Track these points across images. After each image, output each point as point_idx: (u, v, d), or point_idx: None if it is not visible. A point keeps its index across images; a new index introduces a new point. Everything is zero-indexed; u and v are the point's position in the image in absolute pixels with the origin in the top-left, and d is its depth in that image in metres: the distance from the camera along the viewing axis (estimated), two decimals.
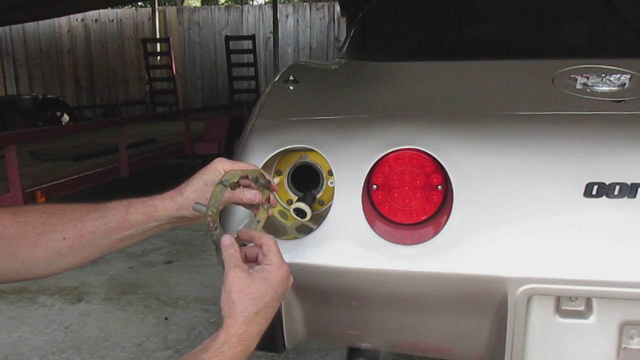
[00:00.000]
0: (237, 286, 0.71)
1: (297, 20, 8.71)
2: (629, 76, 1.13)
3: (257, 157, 1.04)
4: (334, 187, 1.00)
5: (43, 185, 2.99)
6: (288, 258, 0.92)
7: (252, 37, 7.96)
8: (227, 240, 0.76)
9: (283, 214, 1.08)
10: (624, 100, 1.05)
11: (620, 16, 1.70)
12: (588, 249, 0.90)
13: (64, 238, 0.78)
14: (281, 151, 1.05)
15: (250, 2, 15.56)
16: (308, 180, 1.08)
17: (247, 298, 0.71)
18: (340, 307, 1.08)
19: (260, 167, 1.03)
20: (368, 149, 1.00)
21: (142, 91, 8.97)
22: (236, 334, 0.70)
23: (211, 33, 8.99)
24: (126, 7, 9.38)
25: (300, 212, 1.05)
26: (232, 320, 0.70)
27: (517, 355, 0.97)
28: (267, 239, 0.78)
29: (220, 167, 0.85)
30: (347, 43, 1.88)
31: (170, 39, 8.44)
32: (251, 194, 0.84)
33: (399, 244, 0.96)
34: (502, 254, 0.92)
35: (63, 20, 9.25)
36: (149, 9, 9.10)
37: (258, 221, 0.87)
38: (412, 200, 0.99)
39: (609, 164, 0.93)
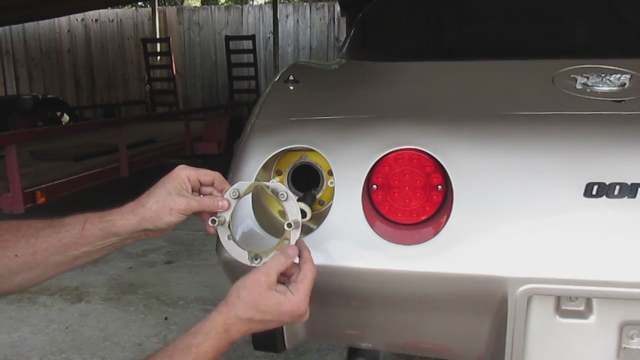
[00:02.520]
0: (252, 288, 0.74)
1: (297, 20, 8.71)
2: (629, 76, 1.13)
3: (257, 157, 1.04)
4: (334, 187, 1.00)
5: (43, 185, 2.99)
6: None
7: (252, 37, 7.96)
8: (288, 251, 0.80)
9: (283, 213, 1.08)
10: (624, 100, 1.05)
11: (620, 16, 1.70)
12: (588, 249, 0.90)
13: (16, 255, 0.75)
14: (281, 151, 1.05)
15: (250, 2, 15.55)
16: (308, 180, 1.08)
17: (252, 305, 0.74)
18: (340, 307, 1.07)
19: (260, 167, 1.03)
20: (368, 149, 1.00)
21: (142, 91, 8.97)
22: (224, 322, 0.74)
23: (211, 33, 8.99)
24: (126, 7, 9.38)
25: (300, 212, 1.05)
26: (227, 308, 0.75)
27: (517, 355, 0.97)
28: (308, 268, 0.79)
29: (184, 174, 0.83)
30: (347, 43, 1.88)
31: (170, 39, 8.43)
32: (217, 201, 0.83)
33: (399, 244, 0.96)
34: (502, 254, 0.92)
35: (63, 20, 9.25)
36: (149, 9, 9.09)
37: (286, 239, 0.85)
38: (412, 200, 0.99)
39: (609, 164, 0.93)
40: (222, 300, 0.77)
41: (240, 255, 0.86)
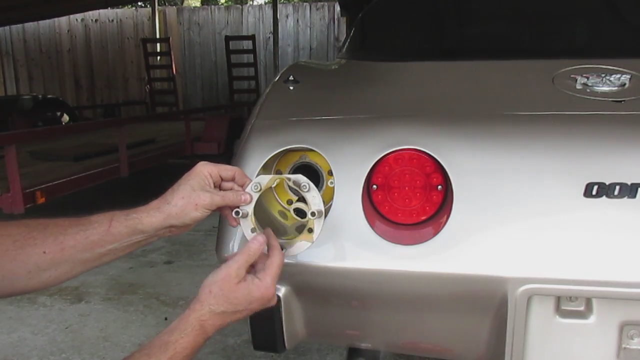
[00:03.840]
0: (223, 284, 0.77)
1: (297, 20, 8.71)
2: (629, 76, 1.13)
3: (257, 157, 1.04)
4: (334, 187, 1.00)
5: (43, 185, 2.99)
6: (288, 258, 0.92)
7: (252, 37, 7.96)
8: (256, 243, 0.80)
9: (283, 214, 1.08)
10: (624, 100, 1.05)
11: (620, 16, 1.70)
12: (588, 249, 0.90)
13: (44, 252, 0.76)
14: (281, 151, 1.05)
15: (250, 2, 15.55)
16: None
17: (223, 299, 0.77)
18: (340, 307, 1.07)
19: (260, 167, 1.03)
20: (368, 149, 1.00)
21: (142, 91, 8.97)
22: (198, 319, 0.77)
23: (211, 33, 8.99)
24: (126, 7, 9.38)
25: (300, 212, 1.05)
26: (200, 305, 0.77)
27: (517, 355, 0.97)
28: (276, 255, 0.82)
29: (205, 170, 0.84)
30: (347, 43, 1.88)
31: (170, 39, 8.43)
32: (240, 196, 0.85)
33: (399, 244, 0.96)
34: (502, 254, 0.92)
35: (63, 20, 9.25)
36: (149, 9, 9.09)
37: (310, 229, 0.88)
38: (412, 200, 0.99)
39: (609, 164, 0.93)
40: (194, 298, 0.79)
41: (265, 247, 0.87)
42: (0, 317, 2.41)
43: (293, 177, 0.88)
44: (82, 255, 0.79)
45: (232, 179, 0.88)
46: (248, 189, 0.86)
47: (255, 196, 0.87)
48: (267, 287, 0.79)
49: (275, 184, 0.88)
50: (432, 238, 0.95)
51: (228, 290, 0.77)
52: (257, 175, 1.02)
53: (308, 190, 0.87)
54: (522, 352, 0.97)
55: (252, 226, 0.87)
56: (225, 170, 0.87)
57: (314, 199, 0.87)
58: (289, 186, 0.89)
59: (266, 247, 0.83)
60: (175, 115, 6.60)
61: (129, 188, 4.77)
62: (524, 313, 0.94)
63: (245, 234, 0.88)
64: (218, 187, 0.87)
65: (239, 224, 0.87)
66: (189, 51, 9.10)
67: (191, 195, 0.81)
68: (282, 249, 0.88)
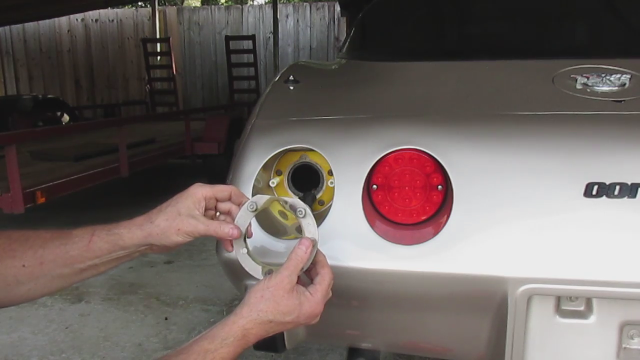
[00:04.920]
0: (275, 290, 0.75)
1: (297, 20, 8.71)
2: (629, 76, 1.13)
3: (257, 157, 1.04)
4: (334, 187, 1.00)
5: (43, 185, 2.99)
6: None
7: (252, 37, 7.96)
8: (303, 248, 0.78)
9: (283, 214, 1.08)
10: (624, 100, 1.05)
11: (620, 16, 1.70)
12: (588, 249, 0.90)
13: (24, 265, 0.75)
14: (281, 151, 1.05)
15: (250, 2, 15.55)
16: (308, 180, 1.08)
17: (274, 305, 0.74)
18: (341, 307, 1.07)
19: (260, 167, 1.03)
20: (368, 149, 1.00)
21: (142, 91, 8.97)
22: (243, 327, 0.73)
23: (211, 33, 8.98)
24: (126, 7, 9.38)
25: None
26: (248, 310, 0.74)
27: (517, 355, 0.97)
28: (326, 272, 0.81)
29: (200, 193, 0.81)
30: (347, 43, 1.88)
31: (170, 39, 8.43)
32: (226, 229, 0.80)
33: (399, 244, 0.96)
34: (502, 254, 0.92)
35: (63, 20, 9.25)
36: (149, 9, 9.09)
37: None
38: (412, 200, 0.99)
39: (609, 164, 0.93)
40: (241, 303, 0.77)
41: (254, 269, 0.84)
42: (1, 317, 2.41)
43: (290, 200, 0.85)
44: (61, 270, 0.77)
45: (229, 199, 0.85)
46: (244, 208, 0.83)
47: (251, 215, 0.84)
48: (317, 303, 0.78)
49: (271, 204, 0.84)
50: (432, 238, 0.95)
51: (280, 297, 0.75)
52: (257, 176, 1.02)
53: (304, 217, 0.83)
54: (522, 352, 0.97)
55: (244, 247, 0.84)
56: (222, 191, 0.84)
57: (309, 226, 0.83)
58: (288, 205, 0.85)
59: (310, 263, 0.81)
60: (175, 115, 6.58)
61: (129, 188, 4.77)
62: (524, 313, 0.94)
63: (236, 254, 0.84)
64: (214, 208, 0.84)
65: (233, 247, 0.84)
66: (189, 51, 9.10)
67: (175, 219, 0.78)
68: (270, 274, 0.81)
